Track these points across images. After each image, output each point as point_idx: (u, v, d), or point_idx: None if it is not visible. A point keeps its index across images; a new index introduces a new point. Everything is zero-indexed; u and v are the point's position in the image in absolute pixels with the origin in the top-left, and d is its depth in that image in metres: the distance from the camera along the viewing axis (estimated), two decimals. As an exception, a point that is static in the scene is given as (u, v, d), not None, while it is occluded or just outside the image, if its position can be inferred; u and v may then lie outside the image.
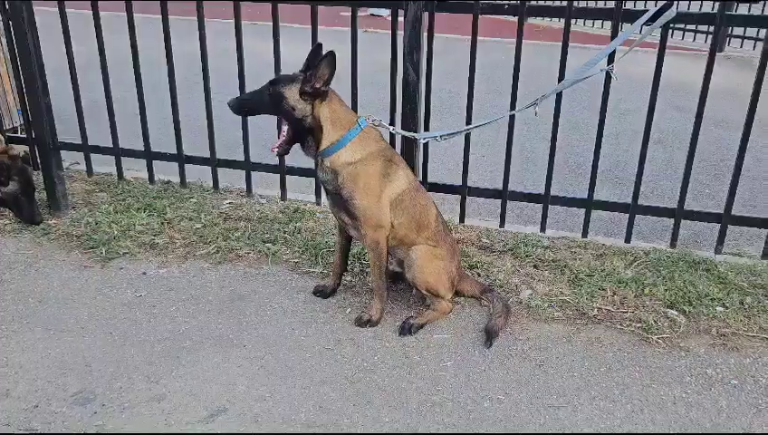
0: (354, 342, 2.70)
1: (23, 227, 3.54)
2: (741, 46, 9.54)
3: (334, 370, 2.54)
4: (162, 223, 3.58)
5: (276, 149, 2.66)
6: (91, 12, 3.52)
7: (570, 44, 3.01)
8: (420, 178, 3.31)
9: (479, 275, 3.16)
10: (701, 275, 3.18)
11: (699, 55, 2.98)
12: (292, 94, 2.53)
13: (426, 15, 2.98)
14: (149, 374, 2.49)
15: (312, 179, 3.68)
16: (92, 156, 3.98)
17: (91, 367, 2.53)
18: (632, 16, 2.81)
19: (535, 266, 3.27)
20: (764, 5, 8.82)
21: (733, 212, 3.18)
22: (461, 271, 2.99)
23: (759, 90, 2.90)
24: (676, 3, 2.73)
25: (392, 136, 3.05)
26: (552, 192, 3.35)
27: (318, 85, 2.52)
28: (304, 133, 2.61)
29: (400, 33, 3.07)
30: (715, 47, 2.85)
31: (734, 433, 2.30)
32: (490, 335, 2.71)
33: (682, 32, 9.62)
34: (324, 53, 2.50)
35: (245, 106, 2.68)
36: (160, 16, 3.46)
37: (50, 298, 2.95)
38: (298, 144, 2.67)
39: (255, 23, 3.55)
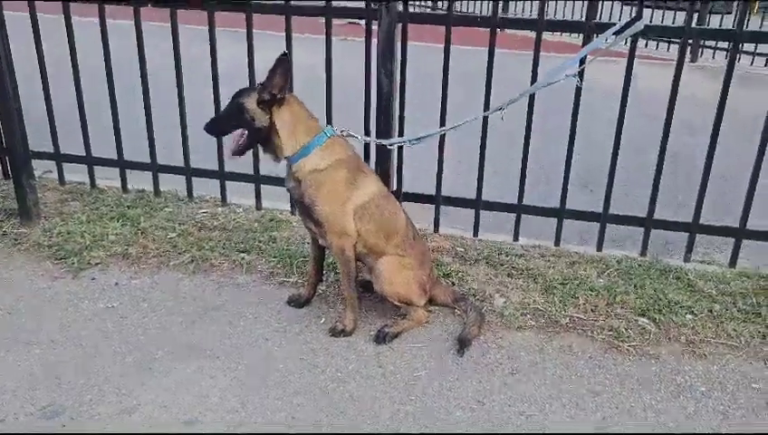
0: (328, 351, 2.70)
1: (-8, 237, 3.50)
2: (713, 57, 9.74)
3: (308, 380, 2.54)
4: (135, 233, 3.55)
5: (232, 149, 2.67)
6: (62, 17, 3.48)
7: (549, 54, 3.05)
8: (395, 187, 3.33)
9: (453, 284, 3.18)
10: (671, 283, 3.23)
11: (673, 65, 3.03)
12: (251, 105, 2.58)
13: (399, 26, 3.00)
14: (120, 386, 2.47)
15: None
16: (65, 165, 3.94)
17: (60, 380, 2.50)
18: (602, 28, 2.86)
19: (509, 275, 3.29)
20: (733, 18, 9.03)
21: (702, 221, 3.24)
22: (434, 278, 3.00)
23: (724, 102, 2.96)
24: (644, 16, 2.79)
25: (366, 146, 3.06)
26: (529, 201, 3.38)
27: (274, 92, 2.54)
28: (264, 141, 2.66)
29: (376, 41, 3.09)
30: (683, 59, 2.91)
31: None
32: (463, 344, 2.72)
33: (656, 41, 9.80)
34: (278, 56, 2.53)
35: (218, 126, 2.72)
36: (132, 22, 3.44)
37: (19, 310, 2.91)
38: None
39: (236, 30, 3.54)
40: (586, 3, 3.01)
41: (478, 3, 11.93)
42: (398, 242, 2.82)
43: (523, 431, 2.32)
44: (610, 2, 10.09)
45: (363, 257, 2.84)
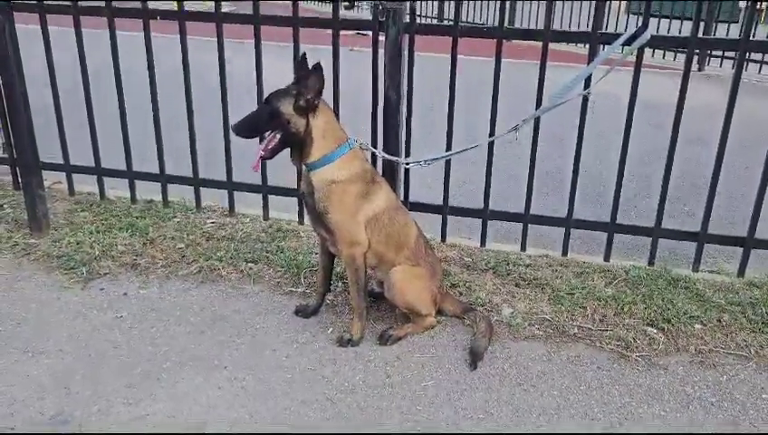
0: (335, 362, 2.70)
1: (2, 248, 3.52)
2: (720, 65, 9.73)
3: (315, 390, 2.54)
4: (144, 243, 3.57)
5: (262, 153, 2.65)
6: (72, 28, 3.52)
7: (555, 63, 3.05)
8: (402, 197, 3.33)
9: (461, 294, 3.18)
10: (680, 292, 3.21)
11: (680, 74, 3.03)
12: (287, 109, 2.58)
13: (406, 38, 3.02)
14: (128, 396, 2.48)
15: (295, 199, 3.69)
16: (74, 175, 3.97)
17: (69, 389, 2.51)
18: (608, 39, 2.87)
19: (517, 285, 3.29)
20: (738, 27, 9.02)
21: (709, 230, 3.22)
22: (443, 290, 3.00)
23: (731, 112, 2.96)
24: (650, 27, 2.80)
25: (374, 157, 3.07)
26: (536, 210, 3.38)
27: (309, 97, 2.56)
28: (295, 144, 2.65)
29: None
30: (689, 70, 2.91)
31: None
32: (475, 357, 2.71)
33: (663, 51, 9.80)
34: (312, 65, 2.55)
35: (247, 127, 2.67)
36: (142, 33, 3.47)
37: (29, 320, 2.93)
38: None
39: (243, 41, 3.57)
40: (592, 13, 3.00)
41: (485, 12, 11.97)
42: (408, 254, 2.83)
43: (524, 432, 2.31)
44: (616, 12, 10.14)
45: (374, 268, 2.84)
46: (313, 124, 2.61)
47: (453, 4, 3.09)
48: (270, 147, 2.64)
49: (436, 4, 13.32)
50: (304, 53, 2.66)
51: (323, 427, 2.36)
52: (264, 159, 2.67)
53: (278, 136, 2.63)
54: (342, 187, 2.65)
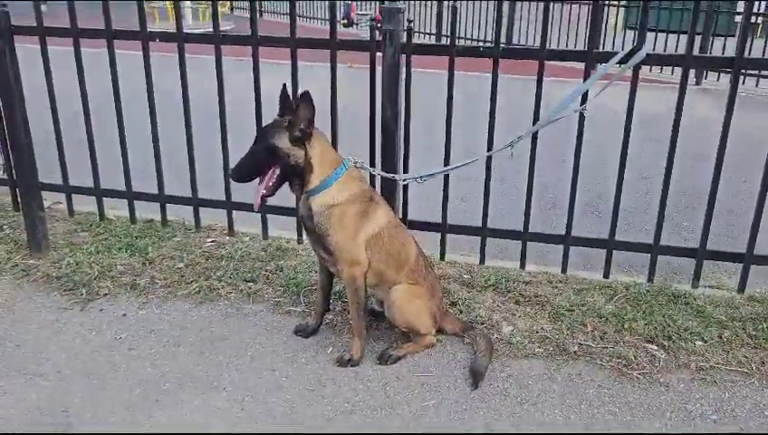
0: (335, 382, 2.69)
1: (2, 269, 3.52)
2: (718, 79, 9.78)
3: (315, 411, 2.52)
4: (144, 263, 3.57)
5: (263, 192, 2.64)
6: (72, 48, 3.54)
7: (555, 78, 3.06)
8: (400, 215, 3.33)
9: (460, 312, 3.17)
10: (680, 308, 3.21)
11: (678, 88, 3.05)
12: (283, 143, 2.58)
13: (403, 57, 3.04)
14: (127, 418, 2.47)
15: (294, 218, 3.69)
16: (74, 195, 3.97)
17: (68, 412, 2.50)
18: (604, 57, 2.89)
19: (516, 302, 3.28)
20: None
21: (710, 246, 3.22)
22: (443, 308, 3.00)
23: (728, 128, 2.97)
24: (646, 44, 2.82)
25: (372, 175, 3.08)
26: (536, 226, 3.39)
27: (303, 126, 2.56)
28: (295, 176, 2.65)
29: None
30: (685, 87, 2.92)
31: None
32: (476, 377, 2.69)
33: (660, 66, 9.85)
34: (300, 93, 2.55)
35: (247, 170, 2.65)
36: (141, 53, 3.49)
37: (27, 342, 2.92)
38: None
39: (242, 59, 3.59)
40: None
41: (484, 29, 12.03)
42: (408, 273, 2.83)
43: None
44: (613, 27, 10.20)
45: (373, 288, 2.84)
46: (311, 153, 2.61)
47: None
48: (270, 184, 2.63)
49: (434, 19, 13.38)
50: (284, 85, 2.66)
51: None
52: (265, 197, 2.66)
53: (277, 171, 2.62)
54: (341, 209, 2.65)
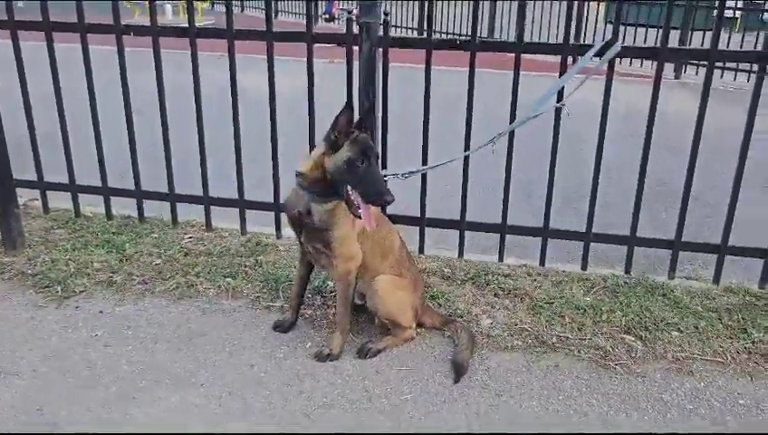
0: (314, 376, 2.68)
1: (-24, 267, 3.47)
2: (696, 73, 9.87)
3: (293, 406, 2.51)
4: (121, 260, 3.53)
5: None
6: (45, 44, 3.49)
7: (538, 73, 3.07)
8: (380, 209, 3.33)
9: (440, 306, 3.18)
10: (657, 300, 3.24)
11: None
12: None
13: (380, 51, 3.03)
14: (104, 416, 2.44)
15: (273, 213, 3.68)
16: (50, 192, 3.92)
17: (42, 410, 2.46)
18: (580, 50, 2.90)
19: (496, 295, 3.29)
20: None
21: (686, 238, 3.25)
22: (424, 303, 3.00)
23: (702, 121, 3.00)
24: (623, 36, 2.84)
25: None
26: (516, 220, 3.40)
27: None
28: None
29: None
30: (660, 80, 2.95)
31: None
32: (459, 370, 2.69)
33: (640, 60, 9.92)
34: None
35: None
36: (116, 48, 3.45)
37: (2, 340, 2.88)
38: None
39: (214, 52, 3.57)
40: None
41: (465, 23, 12.04)
42: (392, 263, 2.83)
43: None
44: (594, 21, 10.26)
45: (357, 279, 2.82)
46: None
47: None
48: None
49: (416, 13, 13.38)
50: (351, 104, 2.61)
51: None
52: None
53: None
54: (341, 203, 2.62)
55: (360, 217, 2.52)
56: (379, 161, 3.27)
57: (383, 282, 2.79)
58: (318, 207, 2.62)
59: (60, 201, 4.09)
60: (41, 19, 3.43)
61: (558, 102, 2.95)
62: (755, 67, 2.91)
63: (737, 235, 3.23)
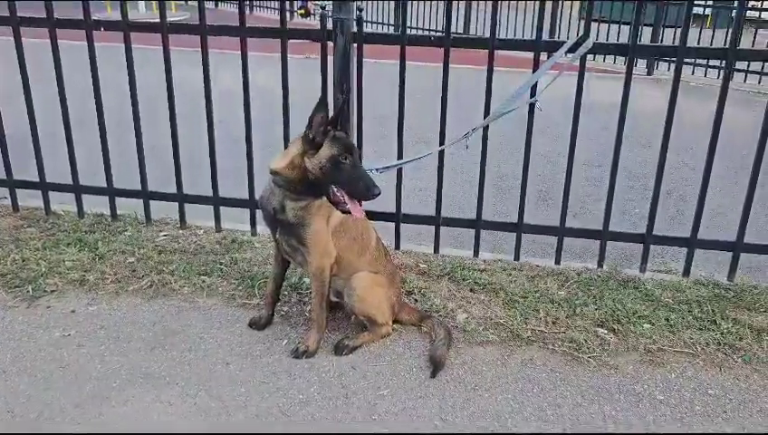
0: (290, 374, 2.68)
1: (-57, 267, 3.40)
2: (669, 69, 10.01)
3: (269, 403, 2.51)
4: (93, 258, 3.48)
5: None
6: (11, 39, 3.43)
7: (516, 69, 3.08)
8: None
9: (416, 301, 3.19)
10: (630, 293, 3.29)
11: (634, 79, 3.10)
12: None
13: (354, 47, 3.03)
14: (76, 417, 2.41)
15: (248, 210, 3.66)
16: (19, 191, 3.86)
17: (13, 412, 2.42)
18: (552, 47, 2.93)
19: (471, 290, 3.31)
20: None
21: (658, 232, 3.31)
22: (401, 299, 3.01)
23: (672, 116, 3.05)
24: (592, 34, 2.87)
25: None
26: (491, 215, 3.42)
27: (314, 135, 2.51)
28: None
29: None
30: (630, 75, 2.99)
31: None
32: (436, 365, 2.70)
33: (614, 56, 10.04)
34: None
35: None
36: (86, 43, 3.40)
37: (-29, 342, 2.83)
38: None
39: (183, 49, 3.53)
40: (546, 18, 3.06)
41: (441, 20, 12.07)
42: (369, 259, 2.84)
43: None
44: (568, 17, 10.35)
45: (333, 279, 2.81)
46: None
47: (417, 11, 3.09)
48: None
49: (391, 10, 13.37)
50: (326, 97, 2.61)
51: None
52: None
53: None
54: (320, 201, 2.62)
55: (348, 213, 2.52)
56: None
57: (360, 280, 2.79)
58: (292, 205, 2.62)
59: (30, 199, 4.02)
60: (8, 14, 3.37)
61: (531, 98, 2.98)
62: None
63: (707, 227, 3.29)
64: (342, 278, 2.83)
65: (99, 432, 2.29)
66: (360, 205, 2.55)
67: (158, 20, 3.32)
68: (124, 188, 3.72)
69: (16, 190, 3.87)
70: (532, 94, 3.01)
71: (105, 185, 3.69)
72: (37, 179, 3.75)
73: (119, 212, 3.89)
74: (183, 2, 18.37)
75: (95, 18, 3.34)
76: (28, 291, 3.19)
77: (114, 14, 13.52)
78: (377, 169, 3.01)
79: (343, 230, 2.74)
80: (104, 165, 3.66)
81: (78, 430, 2.35)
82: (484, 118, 3.13)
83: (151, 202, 3.78)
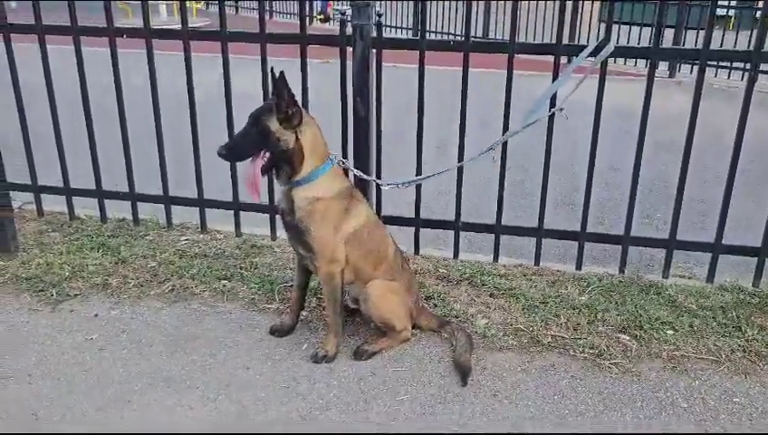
0: (310, 379, 2.68)
1: (-31, 271, 3.46)
2: (691, 72, 9.89)
3: (289, 408, 2.51)
4: (116, 262, 3.52)
5: (257, 175, 2.56)
6: (37, 45, 3.49)
7: (540, 73, 3.06)
8: (374, 211, 3.33)
9: (435, 306, 3.18)
10: (652, 298, 3.24)
11: (655, 81, 3.06)
12: (274, 125, 2.50)
13: (373, 52, 3.03)
14: (99, 420, 2.43)
15: (268, 215, 3.67)
16: (44, 195, 3.92)
17: (37, 415, 2.46)
18: (573, 51, 2.90)
19: (491, 295, 3.29)
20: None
21: (681, 237, 3.26)
22: (419, 304, 3.00)
23: (695, 120, 3.01)
24: (615, 36, 2.84)
25: (345, 171, 3.07)
26: (511, 220, 3.40)
27: (286, 108, 2.49)
28: (285, 162, 2.58)
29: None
30: (652, 79, 2.96)
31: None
32: (465, 373, 2.68)
33: (635, 60, 9.93)
34: (276, 75, 2.49)
35: (238, 150, 2.58)
36: (108, 49, 3.44)
37: (-4, 345, 2.88)
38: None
39: (206, 54, 3.56)
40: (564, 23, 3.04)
41: (460, 23, 12.05)
42: (386, 268, 2.83)
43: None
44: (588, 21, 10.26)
45: (349, 285, 2.83)
46: (302, 139, 2.55)
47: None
48: (262, 167, 2.55)
49: (409, 13, 13.38)
50: (272, 68, 2.63)
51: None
52: (264, 174, 2.58)
53: (267, 156, 2.54)
54: (326, 204, 2.62)
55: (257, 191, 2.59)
56: (374, 160, 3.28)
57: (375, 288, 2.79)
58: (298, 201, 2.61)
59: (54, 204, 4.08)
60: (33, 20, 3.42)
61: (554, 106, 2.95)
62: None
63: (731, 233, 3.24)
64: (358, 286, 2.83)
65: (99, 432, 2.31)
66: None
67: (178, 26, 3.35)
68: (146, 193, 3.75)
69: (41, 195, 3.92)
70: (553, 100, 2.98)
71: (127, 190, 3.73)
72: (61, 185, 3.79)
73: (140, 217, 3.93)
74: (203, 7, 18.58)
75: (117, 26, 3.38)
76: (52, 295, 3.23)
77: (136, 21, 13.70)
78: (401, 184, 3.00)
79: (357, 241, 2.73)
80: (126, 171, 3.70)
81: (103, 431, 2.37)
82: (504, 123, 3.11)
83: (172, 207, 3.81)
